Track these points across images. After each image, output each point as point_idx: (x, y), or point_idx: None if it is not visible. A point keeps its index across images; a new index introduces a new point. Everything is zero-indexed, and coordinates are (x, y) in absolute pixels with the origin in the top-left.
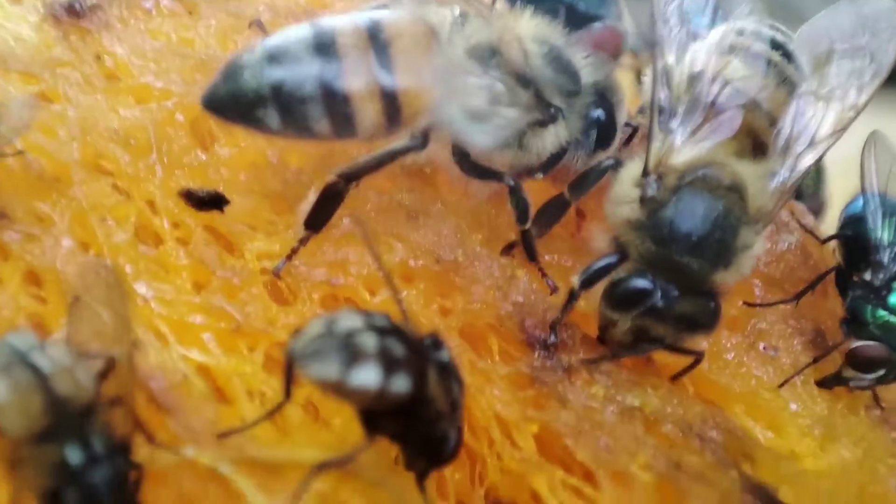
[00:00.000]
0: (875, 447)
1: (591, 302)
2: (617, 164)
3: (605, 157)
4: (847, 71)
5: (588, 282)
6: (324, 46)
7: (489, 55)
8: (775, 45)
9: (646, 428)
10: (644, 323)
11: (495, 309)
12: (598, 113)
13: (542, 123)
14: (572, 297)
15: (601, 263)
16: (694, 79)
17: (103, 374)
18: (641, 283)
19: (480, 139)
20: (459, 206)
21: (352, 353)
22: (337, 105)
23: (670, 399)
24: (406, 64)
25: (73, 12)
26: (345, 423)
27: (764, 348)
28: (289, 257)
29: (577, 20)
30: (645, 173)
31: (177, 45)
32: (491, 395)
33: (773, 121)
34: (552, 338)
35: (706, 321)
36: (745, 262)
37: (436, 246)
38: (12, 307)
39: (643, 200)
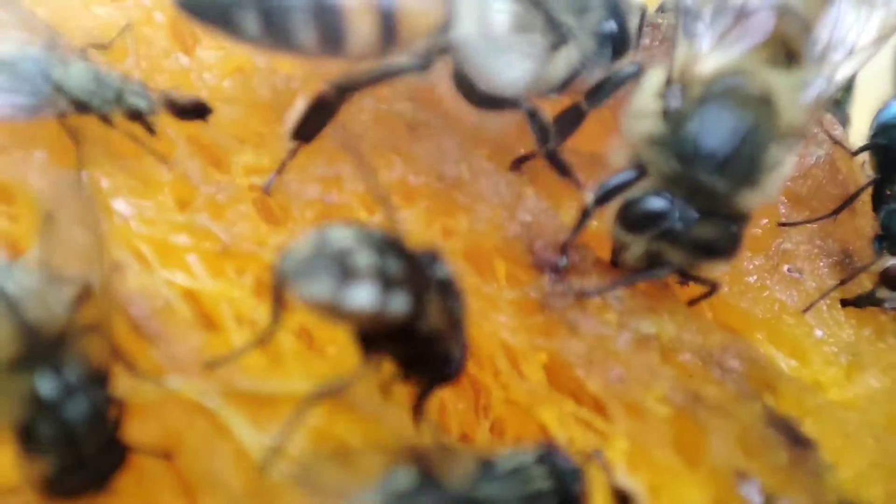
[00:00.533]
0: None
1: (604, 222)
2: (638, 72)
3: (625, 64)
4: None
5: (602, 198)
6: None
7: None
8: None
9: (662, 357)
10: (659, 246)
11: (502, 229)
12: (610, 26)
13: (554, 46)
14: (585, 214)
15: (617, 179)
16: None
17: (79, 300)
18: (658, 202)
19: (502, 71)
20: (463, 118)
21: (346, 272)
22: (327, 17)
23: (688, 326)
24: None
25: None
26: (340, 351)
27: (788, 270)
28: (278, 171)
29: None
30: (668, 83)
31: None
32: (497, 321)
33: (807, 27)
34: (563, 260)
35: (726, 247)
36: (772, 182)
37: (438, 161)
38: None
39: (665, 113)
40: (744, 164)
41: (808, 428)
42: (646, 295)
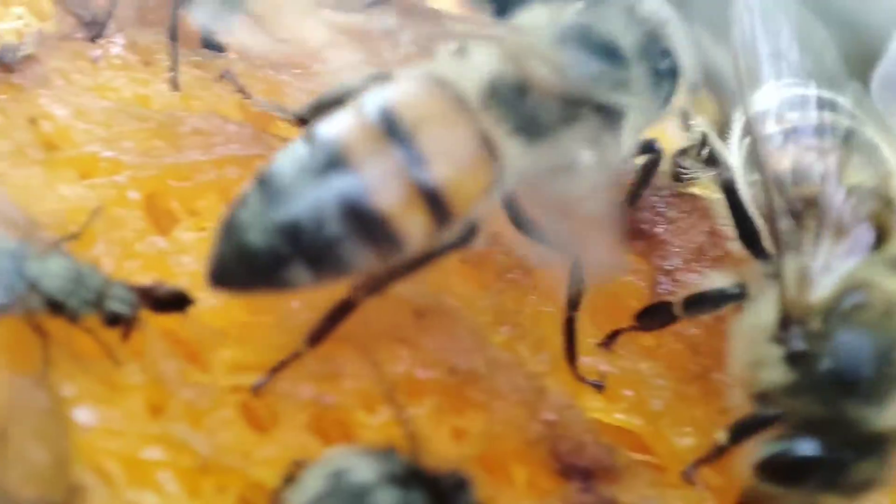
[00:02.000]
0: None
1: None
2: (741, 295)
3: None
4: None
5: (737, 438)
6: (333, 163)
7: (516, 93)
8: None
9: None
10: (813, 497)
11: (521, 430)
12: (666, 63)
13: (619, 124)
14: (718, 453)
15: (754, 421)
16: (813, 190)
17: None
18: (808, 448)
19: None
20: (476, 300)
21: None
22: (374, 229)
23: None
24: (441, 151)
25: (2, 65)
26: None
27: None
28: (274, 372)
29: None
30: (784, 325)
31: (131, 105)
32: None
33: None
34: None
35: (885, 477)
36: None
37: (449, 352)
38: None
39: (791, 359)
40: (890, 387)
41: None
42: None
